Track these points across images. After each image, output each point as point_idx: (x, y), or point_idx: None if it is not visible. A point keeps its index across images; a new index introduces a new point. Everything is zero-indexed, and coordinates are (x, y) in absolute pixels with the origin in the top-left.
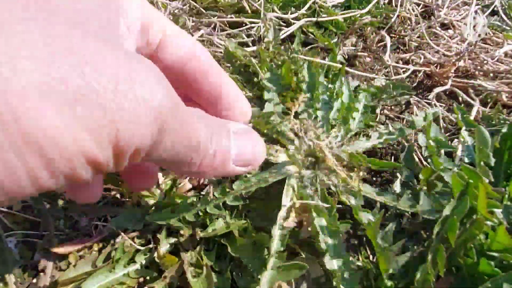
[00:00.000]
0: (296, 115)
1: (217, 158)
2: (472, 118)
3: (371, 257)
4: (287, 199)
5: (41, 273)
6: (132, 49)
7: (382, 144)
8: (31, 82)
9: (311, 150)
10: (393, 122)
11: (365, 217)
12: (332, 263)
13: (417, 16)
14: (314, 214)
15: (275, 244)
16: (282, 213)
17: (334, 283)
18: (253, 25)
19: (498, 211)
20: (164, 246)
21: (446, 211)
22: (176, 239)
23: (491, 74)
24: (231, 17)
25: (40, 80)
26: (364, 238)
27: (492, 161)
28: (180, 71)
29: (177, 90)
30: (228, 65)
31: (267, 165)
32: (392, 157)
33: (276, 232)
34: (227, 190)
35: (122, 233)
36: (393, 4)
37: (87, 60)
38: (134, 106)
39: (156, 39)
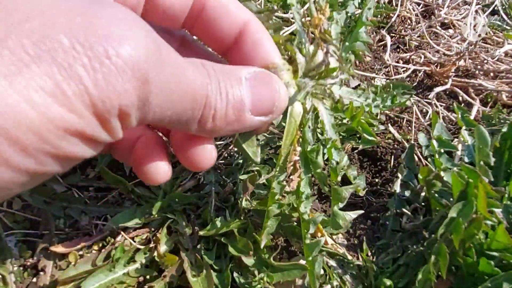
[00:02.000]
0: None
1: (230, 110)
2: (472, 117)
3: (371, 257)
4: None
5: (41, 272)
6: None
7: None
8: None
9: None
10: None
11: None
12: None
13: (417, 16)
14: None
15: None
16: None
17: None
18: None
19: (498, 211)
20: (164, 245)
21: (453, 213)
22: (176, 238)
23: (491, 74)
24: None
25: None
26: (364, 238)
27: (492, 160)
28: (195, 11)
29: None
30: None
31: None
32: (392, 157)
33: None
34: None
35: (122, 232)
36: (393, 4)
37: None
38: (104, 62)
39: None
